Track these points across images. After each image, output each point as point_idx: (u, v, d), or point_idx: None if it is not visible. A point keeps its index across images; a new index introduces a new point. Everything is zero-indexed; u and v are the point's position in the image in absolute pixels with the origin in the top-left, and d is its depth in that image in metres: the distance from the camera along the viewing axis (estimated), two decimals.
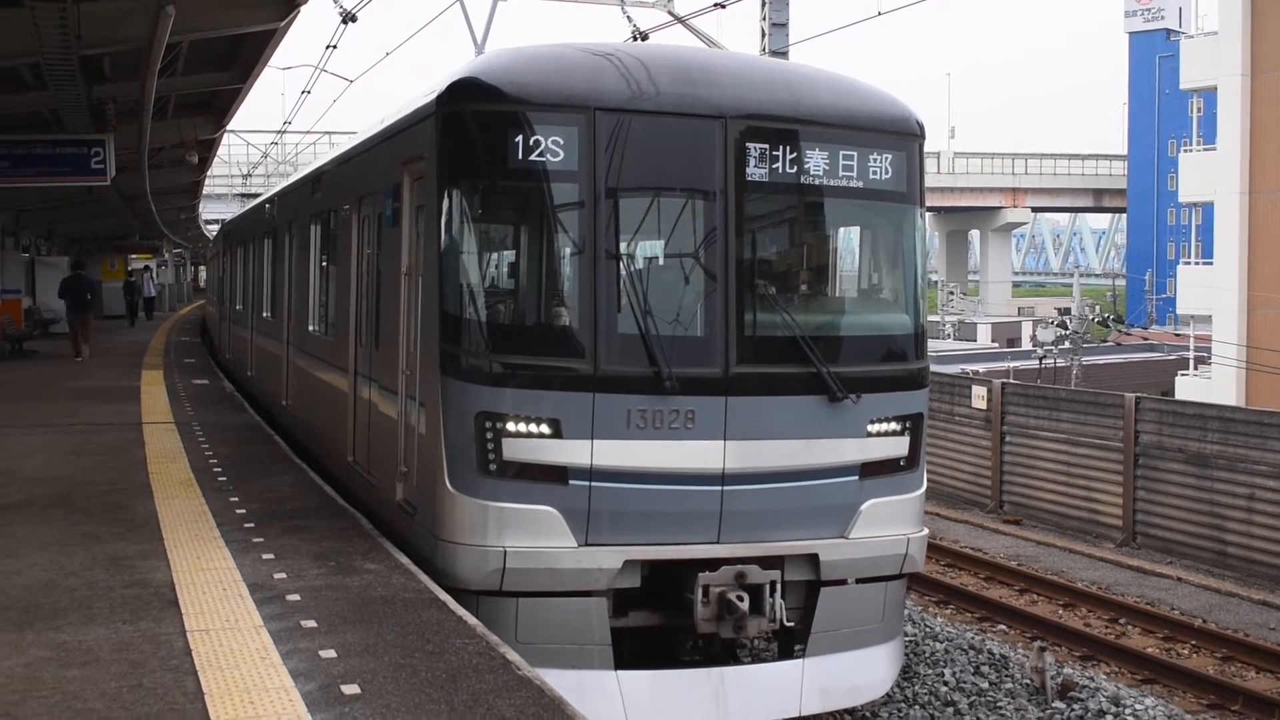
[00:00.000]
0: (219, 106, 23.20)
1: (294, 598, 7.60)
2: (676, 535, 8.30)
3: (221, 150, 35.12)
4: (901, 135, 9.02)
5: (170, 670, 6.23)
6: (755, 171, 8.47)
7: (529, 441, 8.05)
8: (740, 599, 8.21)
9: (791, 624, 8.63)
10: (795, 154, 8.56)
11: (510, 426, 8.03)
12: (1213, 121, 43.79)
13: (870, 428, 8.73)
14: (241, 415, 17.24)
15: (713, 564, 8.31)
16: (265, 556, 8.65)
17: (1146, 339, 60.02)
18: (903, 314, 9.22)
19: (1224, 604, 15.72)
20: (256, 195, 36.84)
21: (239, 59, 18.60)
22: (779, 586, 8.44)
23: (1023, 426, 21.55)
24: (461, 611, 7.40)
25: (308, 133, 47.11)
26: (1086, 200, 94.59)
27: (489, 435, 8.05)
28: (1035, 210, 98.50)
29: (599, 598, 8.21)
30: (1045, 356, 48.95)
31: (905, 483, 8.99)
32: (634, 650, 8.52)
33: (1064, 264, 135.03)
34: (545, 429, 8.05)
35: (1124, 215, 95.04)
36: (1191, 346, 45.63)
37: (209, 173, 36.98)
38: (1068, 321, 48.95)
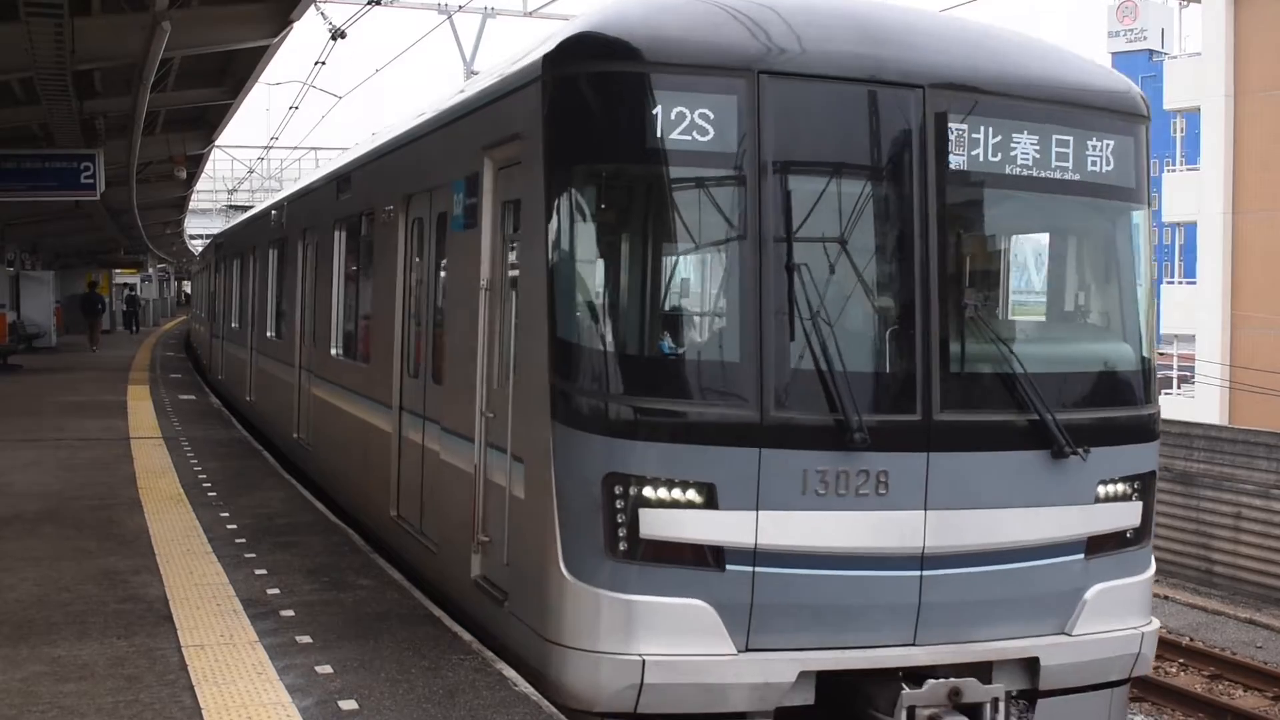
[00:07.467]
0: (209, 121, 23.27)
1: (288, 613, 7.59)
2: (862, 636, 6.37)
3: (207, 166, 35.11)
4: (1128, 116, 7.15)
5: (167, 685, 6.22)
6: (960, 158, 6.58)
7: (674, 513, 6.15)
8: None
9: None
10: (1006, 137, 6.71)
11: (649, 493, 6.12)
12: (1195, 142, 44.08)
13: (1099, 490, 6.83)
14: (229, 431, 17.21)
15: (912, 675, 6.38)
16: (258, 572, 8.64)
17: None
18: (1131, 343, 7.30)
19: (1211, 622, 15.79)
20: (244, 209, 36.57)
21: (230, 74, 18.67)
22: (1001, 705, 6.43)
23: None
24: (456, 628, 7.40)
25: (295, 148, 47.20)
26: None
27: (620, 504, 6.14)
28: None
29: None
30: None
31: (1135, 561, 7.07)
32: None
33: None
34: (695, 496, 6.15)
35: None
36: (1175, 365, 45.83)
37: (194, 188, 36.98)
38: None
